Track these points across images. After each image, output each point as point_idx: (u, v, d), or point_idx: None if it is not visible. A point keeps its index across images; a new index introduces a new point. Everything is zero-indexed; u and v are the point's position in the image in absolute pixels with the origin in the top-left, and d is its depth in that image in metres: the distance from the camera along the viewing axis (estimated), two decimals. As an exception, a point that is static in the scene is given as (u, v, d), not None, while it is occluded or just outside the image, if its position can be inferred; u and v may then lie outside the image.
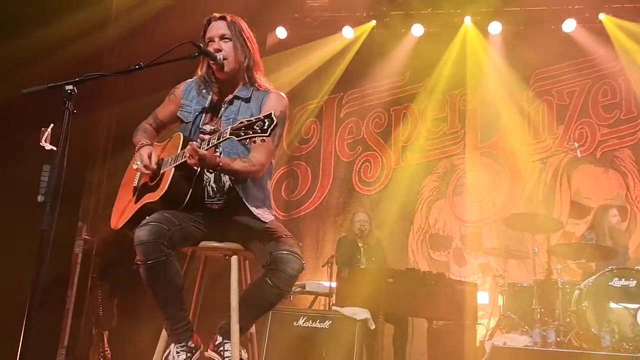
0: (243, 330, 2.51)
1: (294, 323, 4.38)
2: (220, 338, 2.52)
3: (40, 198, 1.91)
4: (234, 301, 2.49)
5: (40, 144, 1.97)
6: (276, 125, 2.15)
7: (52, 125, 2.00)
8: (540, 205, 6.35)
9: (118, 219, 2.65)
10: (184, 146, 2.45)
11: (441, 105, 7.28)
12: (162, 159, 2.55)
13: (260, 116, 2.17)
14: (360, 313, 4.32)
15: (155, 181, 2.51)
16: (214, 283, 2.89)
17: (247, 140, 2.21)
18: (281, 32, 7.17)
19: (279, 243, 2.46)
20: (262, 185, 2.65)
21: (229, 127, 2.24)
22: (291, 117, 7.51)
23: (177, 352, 2.43)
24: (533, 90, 6.97)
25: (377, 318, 4.42)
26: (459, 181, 7.09)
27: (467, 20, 6.91)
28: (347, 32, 7.12)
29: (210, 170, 2.55)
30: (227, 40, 2.58)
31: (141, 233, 2.32)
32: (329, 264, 5.39)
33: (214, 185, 2.59)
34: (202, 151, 2.28)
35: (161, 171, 2.51)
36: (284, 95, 2.67)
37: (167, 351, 2.48)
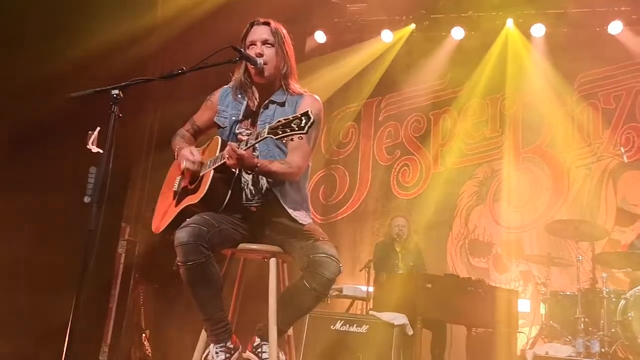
0: (281, 332, 2.52)
1: (331, 327, 4.38)
2: (259, 340, 2.54)
3: (87, 199, 1.97)
4: (272, 303, 2.50)
5: (87, 146, 2.03)
6: (313, 122, 2.16)
7: (98, 128, 2.06)
8: (584, 212, 6.19)
9: (159, 223, 2.71)
10: (222, 149, 2.49)
11: (481, 109, 7.18)
12: (202, 163, 2.60)
13: (297, 114, 2.19)
14: (397, 318, 4.28)
15: (195, 184, 2.56)
16: (252, 285, 2.91)
17: (284, 140, 2.23)
18: (320, 36, 7.21)
19: (316, 246, 2.46)
20: (299, 188, 2.67)
21: (267, 126, 2.27)
22: (329, 121, 7.53)
23: (216, 353, 2.46)
24: (578, 94, 6.79)
25: (415, 324, 4.38)
26: (500, 186, 6.97)
27: (509, 22, 6.81)
28: (386, 36, 7.10)
29: (249, 172, 2.58)
30: (269, 45, 2.62)
31: (181, 234, 2.36)
32: (367, 269, 5.37)
33: (252, 188, 2.62)
34: (241, 151, 2.30)
35: (200, 174, 2.55)
36: (319, 99, 2.69)
37: (207, 351, 2.52)
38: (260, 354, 2.52)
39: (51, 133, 2.93)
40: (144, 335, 4.72)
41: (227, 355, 2.46)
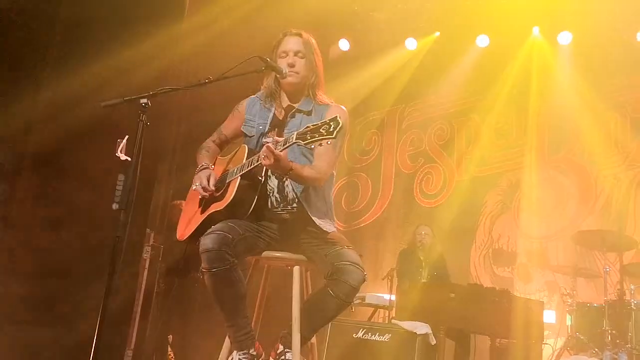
0: (304, 339, 2.53)
1: (354, 335, 4.37)
2: (282, 347, 2.55)
3: (115, 206, 2.01)
4: (295, 311, 2.51)
5: (116, 154, 2.07)
6: (342, 127, 2.18)
7: (127, 136, 2.10)
8: (612, 222, 6.08)
9: (184, 230, 2.75)
10: (248, 157, 2.53)
11: (506, 117, 7.11)
12: (227, 171, 2.63)
13: (326, 120, 2.21)
14: (420, 327, 4.25)
15: (222, 191, 2.59)
16: (276, 292, 2.92)
17: (312, 146, 2.24)
18: (344, 44, 7.23)
19: (341, 254, 2.47)
20: (324, 196, 2.69)
21: (295, 132, 2.28)
22: (352, 128, 7.53)
23: (240, 359, 2.48)
24: (605, 102, 6.67)
25: (438, 333, 4.34)
26: (524, 195, 6.88)
27: (536, 30, 6.75)
28: (411, 44, 7.09)
29: (276, 177, 2.61)
30: (300, 56, 2.68)
31: (206, 241, 2.39)
32: (389, 277, 5.35)
33: (277, 196, 2.65)
34: (278, 152, 2.32)
35: (227, 181, 2.58)
36: (345, 109, 2.72)
37: (230, 358, 2.54)
38: (283, 361, 2.53)
39: (79, 143, 3.00)
40: (167, 340, 4.77)
41: (250, 362, 2.48)
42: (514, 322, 4.57)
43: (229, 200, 2.49)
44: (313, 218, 2.59)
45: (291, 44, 2.70)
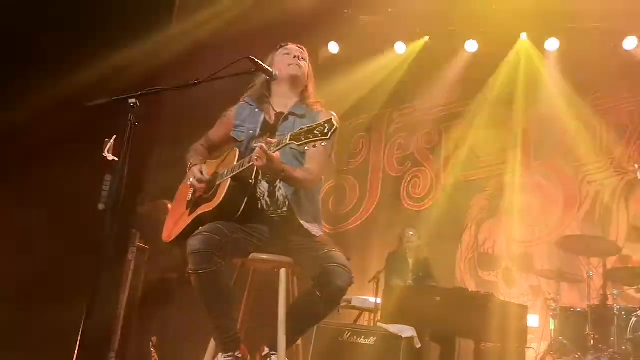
0: (290, 342, 2.53)
1: (339, 338, 4.38)
2: (267, 349, 2.55)
3: (101, 206, 1.99)
4: (281, 313, 2.51)
5: (103, 154, 2.06)
6: (336, 129, 2.19)
7: (114, 136, 2.09)
8: (596, 228, 6.14)
9: (171, 231, 2.73)
10: (239, 160, 2.54)
11: (493, 122, 7.16)
12: (217, 173, 2.63)
13: (321, 121, 2.22)
14: (405, 331, 4.27)
15: (211, 192, 2.58)
16: (262, 295, 2.92)
17: (307, 147, 2.25)
18: (333, 47, 7.24)
19: (329, 256, 2.48)
20: (314, 200, 2.71)
21: (289, 133, 2.29)
22: (341, 132, 7.51)
23: (224, 362, 2.47)
24: (591, 109, 6.75)
25: (423, 337, 4.36)
26: (510, 200, 6.94)
27: (523, 36, 6.81)
28: (400, 48, 7.12)
29: (267, 182, 2.62)
30: (303, 58, 2.78)
31: (194, 242, 2.38)
32: (376, 280, 5.36)
33: (267, 199, 2.65)
34: (271, 153, 2.32)
35: (217, 182, 2.57)
36: (335, 115, 2.72)
37: (214, 360, 2.53)
38: (268, 364, 2.52)
39: (67, 143, 2.98)
40: (151, 342, 4.73)
41: (236, 364, 2.47)
42: (498, 326, 4.60)
43: (219, 202, 2.49)
44: (302, 222, 2.59)
45: (294, 49, 2.80)
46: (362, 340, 4.33)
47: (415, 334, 4.29)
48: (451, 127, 7.38)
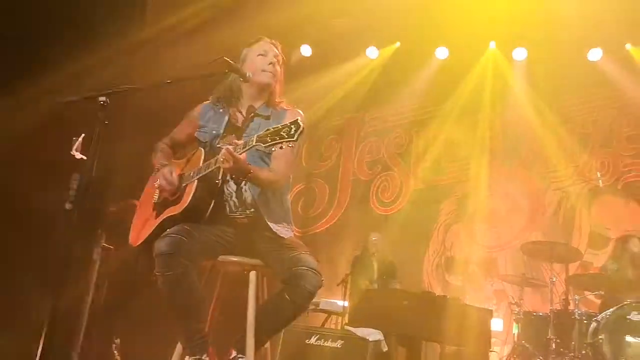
0: (258, 345, 2.52)
1: (306, 341, 4.36)
2: (235, 352, 2.53)
3: (68, 205, 1.95)
4: (250, 316, 2.50)
5: (71, 153, 2.02)
6: (303, 130, 2.18)
7: (83, 135, 2.05)
8: (558, 234, 6.28)
9: (138, 235, 2.69)
10: (205, 161, 2.51)
11: (462, 128, 7.27)
12: (183, 174, 2.60)
13: (287, 123, 2.21)
14: (372, 334, 4.28)
15: (177, 195, 2.55)
16: (231, 297, 2.90)
17: (274, 148, 2.24)
18: (306, 50, 7.25)
19: (298, 259, 2.48)
20: (282, 201, 2.69)
21: (255, 135, 2.28)
22: (311, 134, 7.55)
23: (191, 365, 2.45)
24: (556, 118, 6.92)
25: (390, 340, 4.38)
26: (477, 205, 7.05)
27: (492, 45, 6.94)
28: (372, 53, 7.17)
29: (235, 183, 2.60)
30: (278, 62, 2.75)
31: (161, 244, 2.35)
32: (344, 283, 5.38)
33: (235, 200, 2.63)
34: (237, 155, 2.31)
35: (183, 184, 2.55)
36: (301, 113, 2.73)
37: (181, 363, 2.50)
38: (236, 367, 2.50)
39: (37, 140, 2.92)
40: (114, 345, 4.65)
41: (202, 367, 2.45)
42: (463, 330, 4.65)
43: (186, 204, 2.46)
44: (270, 223, 2.58)
45: (271, 49, 2.76)
46: (329, 344, 4.33)
47: (382, 338, 4.31)
48: (421, 132, 7.47)
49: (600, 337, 4.40)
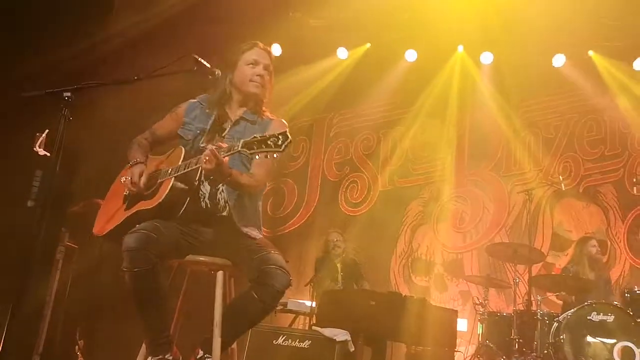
0: (225, 345, 2.50)
1: (274, 341, 4.35)
2: (202, 352, 2.51)
3: (30, 203, 1.91)
4: (217, 316, 2.48)
5: (34, 149, 1.97)
6: (290, 142, 2.19)
7: (47, 131, 2.00)
8: (522, 236, 6.40)
9: (103, 225, 2.64)
10: (185, 160, 2.49)
11: (430, 130, 7.36)
12: (160, 170, 2.56)
13: (275, 133, 2.21)
14: (340, 334, 4.30)
15: (152, 190, 2.51)
16: (198, 297, 2.87)
17: (258, 156, 2.24)
18: (276, 49, 7.22)
19: (267, 258, 2.48)
20: (255, 205, 2.70)
21: (241, 140, 2.27)
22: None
23: (155, 365, 2.41)
24: (521, 122, 7.07)
25: (357, 340, 4.41)
26: (444, 207, 7.15)
27: (460, 48, 7.03)
28: (342, 53, 7.19)
29: (209, 184, 2.59)
30: (269, 72, 2.74)
31: (130, 240, 2.32)
32: (312, 283, 5.38)
33: (208, 201, 2.62)
34: (221, 157, 2.30)
35: (159, 180, 2.51)
36: (286, 123, 2.73)
37: (144, 364, 2.46)
38: (202, 367, 2.48)
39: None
40: (77, 346, 4.56)
41: (166, 366, 2.42)
42: (429, 330, 4.71)
43: (160, 200, 2.43)
44: (240, 225, 2.59)
45: (263, 57, 2.74)
46: (296, 344, 4.33)
47: (349, 338, 4.33)
48: (389, 133, 7.52)
49: (561, 336, 4.51)
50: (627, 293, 4.79)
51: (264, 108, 2.75)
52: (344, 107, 7.71)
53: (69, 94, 2.04)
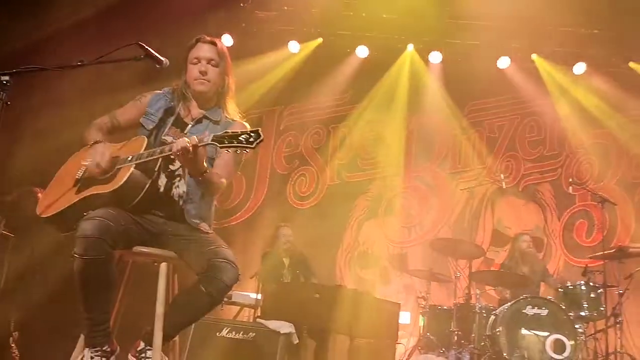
0: (169, 337, 2.48)
1: (217, 333, 4.33)
2: (143, 344, 2.48)
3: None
4: (159, 308, 2.45)
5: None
6: (262, 140, 2.19)
7: (-18, 115, 1.92)
8: (464, 232, 6.59)
9: (48, 207, 2.52)
10: (147, 149, 2.44)
11: (379, 126, 7.45)
12: (118, 157, 2.49)
13: (248, 130, 2.21)
14: (284, 327, 4.32)
15: (109, 175, 2.44)
16: (141, 289, 2.82)
17: (227, 150, 2.23)
18: (227, 40, 7.14)
19: (216, 252, 2.47)
20: (210, 203, 2.70)
21: (211, 134, 2.25)
22: (230, 125, 7.45)
23: (92, 357, 2.37)
24: (467, 121, 7.27)
25: (301, 333, 4.43)
26: (391, 202, 7.26)
27: (410, 47, 7.14)
28: (293, 47, 7.17)
29: (166, 177, 2.57)
30: (214, 64, 2.68)
31: (87, 226, 2.25)
32: (257, 276, 5.37)
33: (163, 194, 2.59)
34: (201, 150, 2.28)
35: (117, 166, 2.44)
36: (248, 126, 2.71)
37: (81, 356, 2.40)
38: (143, 359, 2.45)
39: None
40: (11, 337, 4.40)
41: (103, 358, 2.38)
42: (372, 323, 4.79)
43: (116, 187, 2.36)
44: (193, 220, 2.58)
45: (205, 51, 2.69)
46: (240, 336, 4.32)
47: (293, 330, 4.35)
48: (338, 128, 7.58)
49: (498, 329, 4.67)
50: (561, 288, 5.02)
51: (227, 103, 2.74)
52: (294, 101, 7.70)
53: (7, 78, 1.96)
